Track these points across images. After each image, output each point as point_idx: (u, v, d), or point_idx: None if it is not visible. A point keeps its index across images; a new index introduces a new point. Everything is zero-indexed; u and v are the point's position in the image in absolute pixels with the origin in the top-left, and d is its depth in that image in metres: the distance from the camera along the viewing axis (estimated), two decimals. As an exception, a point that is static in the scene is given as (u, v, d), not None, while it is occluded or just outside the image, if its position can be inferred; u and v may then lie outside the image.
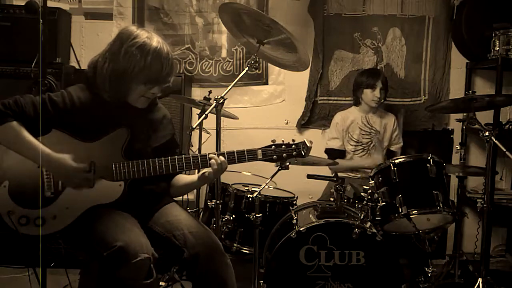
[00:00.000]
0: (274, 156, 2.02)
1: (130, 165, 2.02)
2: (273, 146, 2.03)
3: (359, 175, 3.46)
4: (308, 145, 2.02)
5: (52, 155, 1.97)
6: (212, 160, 2.02)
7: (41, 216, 2.01)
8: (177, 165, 2.03)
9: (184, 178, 2.28)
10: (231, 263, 2.14)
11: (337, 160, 3.40)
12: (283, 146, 2.02)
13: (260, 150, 2.03)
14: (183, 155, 2.06)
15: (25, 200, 2.02)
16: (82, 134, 2.06)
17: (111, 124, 2.06)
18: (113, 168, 2.02)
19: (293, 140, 2.04)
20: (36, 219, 2.00)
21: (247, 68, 2.63)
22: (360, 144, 3.51)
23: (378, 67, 3.84)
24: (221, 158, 2.03)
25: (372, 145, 3.52)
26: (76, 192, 2.02)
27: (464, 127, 3.76)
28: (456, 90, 3.87)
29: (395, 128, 3.58)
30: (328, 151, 3.56)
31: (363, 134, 3.51)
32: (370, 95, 3.44)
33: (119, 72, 2.03)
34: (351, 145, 3.52)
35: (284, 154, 2.02)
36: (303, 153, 2.02)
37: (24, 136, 1.97)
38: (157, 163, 2.03)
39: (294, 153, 2.02)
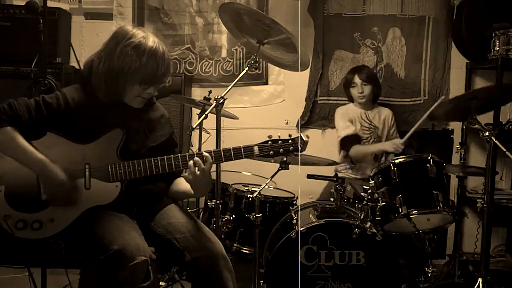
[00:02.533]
0: (271, 152, 1.99)
1: (126, 165, 2.01)
2: (269, 142, 2.00)
3: (360, 176, 3.45)
4: (305, 139, 1.99)
5: (46, 164, 1.95)
6: (190, 162, 1.96)
7: (38, 219, 1.99)
8: (173, 164, 2.01)
9: (183, 185, 2.21)
10: (231, 263, 2.13)
11: (357, 147, 3.39)
12: (280, 142, 2.00)
13: (257, 146, 2.00)
14: (179, 154, 2.04)
15: (21, 204, 2.00)
16: (78, 136, 2.04)
17: (107, 124, 2.04)
18: (109, 169, 2.00)
19: (290, 136, 2.02)
20: (33, 223, 1.99)
21: (247, 68, 2.63)
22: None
23: (378, 67, 3.84)
24: (206, 155, 1.97)
25: (371, 141, 3.52)
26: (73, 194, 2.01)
27: (464, 127, 3.76)
28: (456, 90, 3.86)
29: (392, 123, 3.60)
30: (343, 140, 3.50)
31: (363, 130, 3.52)
32: (354, 92, 3.47)
33: (114, 72, 2.01)
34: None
35: (281, 150, 2.00)
36: (300, 148, 1.99)
37: (18, 142, 1.95)
38: (153, 163, 2.01)
39: (291, 148, 1.99)
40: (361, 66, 3.65)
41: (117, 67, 2.01)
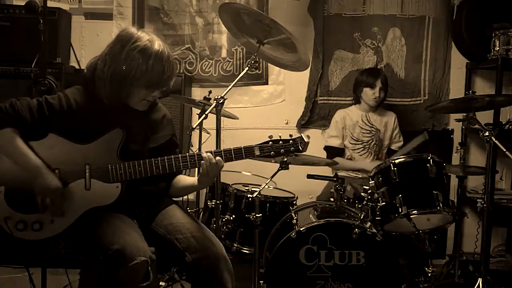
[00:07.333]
0: (272, 152, 2.00)
1: (126, 166, 2.01)
2: (270, 142, 2.00)
3: (360, 176, 3.46)
4: (306, 140, 1.99)
5: (41, 170, 1.95)
6: (201, 160, 2.00)
7: (38, 221, 1.99)
8: (173, 164, 2.02)
9: (185, 180, 2.26)
10: (231, 263, 2.13)
11: (339, 160, 3.41)
12: (281, 142, 2.00)
13: (258, 147, 2.00)
14: (179, 155, 2.04)
15: (21, 205, 2.00)
16: (79, 136, 2.03)
17: (108, 125, 2.04)
18: (109, 170, 2.00)
19: (291, 136, 2.02)
20: (33, 224, 1.99)
21: (247, 68, 2.63)
22: (360, 142, 3.52)
23: (378, 67, 3.84)
24: (217, 158, 2.00)
25: (372, 143, 3.52)
26: (73, 194, 2.00)
27: (464, 127, 3.75)
28: (456, 90, 3.86)
29: (395, 126, 3.59)
30: (327, 148, 3.59)
31: (363, 133, 3.52)
32: (370, 94, 3.45)
33: (120, 75, 2.00)
34: (351, 143, 3.53)
35: (282, 150, 2.00)
36: (301, 148, 1.99)
37: (17, 144, 1.95)
38: (153, 163, 2.01)
39: (292, 148, 1.99)
40: (378, 70, 3.63)
41: (123, 71, 1.99)
